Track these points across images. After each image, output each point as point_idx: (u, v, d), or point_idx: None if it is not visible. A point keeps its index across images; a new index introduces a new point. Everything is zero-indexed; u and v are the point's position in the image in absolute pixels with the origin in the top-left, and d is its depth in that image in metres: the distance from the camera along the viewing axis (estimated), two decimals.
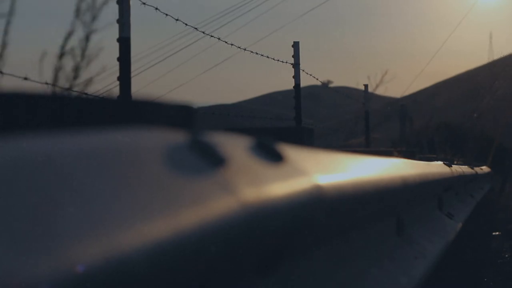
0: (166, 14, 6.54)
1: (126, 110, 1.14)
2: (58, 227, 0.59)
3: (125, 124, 0.94)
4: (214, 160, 0.96)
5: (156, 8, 6.24)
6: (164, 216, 0.74)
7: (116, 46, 5.05)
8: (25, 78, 3.83)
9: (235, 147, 1.11)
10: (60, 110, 1.02)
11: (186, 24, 7.07)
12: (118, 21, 5.04)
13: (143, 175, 0.78)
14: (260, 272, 1.22)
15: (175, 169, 0.84)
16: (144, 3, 5.85)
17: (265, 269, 1.24)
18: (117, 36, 5.05)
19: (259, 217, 1.01)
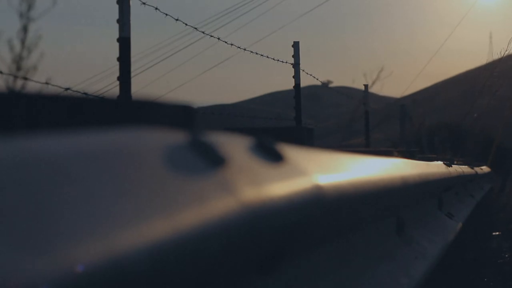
0: (166, 14, 6.54)
1: (126, 110, 1.14)
2: (58, 227, 0.59)
3: (125, 124, 0.94)
4: (214, 160, 0.96)
5: (156, 8, 6.24)
6: (164, 216, 0.74)
7: (116, 46, 5.05)
8: (25, 78, 3.83)
9: (235, 147, 1.11)
10: (60, 110, 1.02)
11: (186, 24, 7.07)
12: (118, 21, 5.04)
13: (143, 175, 0.78)
14: (260, 272, 1.22)
15: (175, 169, 0.84)
16: (144, 3, 5.85)
17: (265, 269, 1.24)
18: (117, 36, 5.05)
19: (259, 217, 1.01)
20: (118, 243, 0.64)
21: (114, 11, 5.02)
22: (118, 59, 5.06)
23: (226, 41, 8.34)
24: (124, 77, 5.05)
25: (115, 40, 5.06)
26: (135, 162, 0.79)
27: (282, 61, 9.71)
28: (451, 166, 5.90)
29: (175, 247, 0.74)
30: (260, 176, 1.09)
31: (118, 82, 5.05)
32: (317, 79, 11.61)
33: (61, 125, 1.01)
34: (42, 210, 0.59)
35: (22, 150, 0.65)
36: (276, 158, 1.24)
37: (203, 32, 7.72)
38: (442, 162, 5.66)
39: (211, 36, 8.00)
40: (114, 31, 5.03)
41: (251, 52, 9.06)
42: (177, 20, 6.67)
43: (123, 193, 0.71)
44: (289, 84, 9.69)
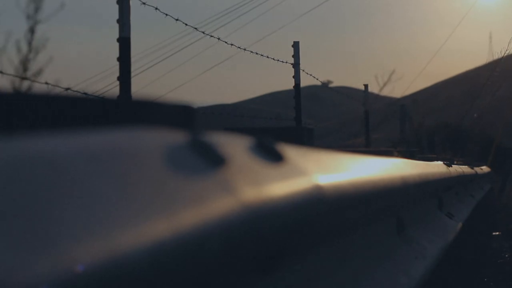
0: (166, 14, 6.55)
1: (126, 110, 1.14)
2: (58, 227, 0.59)
3: (125, 124, 0.94)
4: (214, 160, 0.96)
5: (156, 8, 6.24)
6: (164, 216, 0.74)
7: (116, 46, 5.05)
8: (25, 78, 3.84)
9: (235, 147, 1.11)
10: (60, 110, 1.02)
11: (186, 24, 7.08)
12: (118, 21, 5.04)
13: (143, 175, 0.78)
14: (260, 272, 1.22)
15: (175, 169, 0.84)
16: (144, 3, 5.86)
17: (265, 269, 1.24)
18: (117, 36, 5.05)
19: (259, 217, 1.01)
20: (118, 243, 0.64)
21: (114, 11, 5.03)
22: (118, 59, 5.06)
23: (226, 41, 8.35)
24: (124, 77, 5.05)
25: (115, 40, 5.06)
26: (135, 162, 0.79)
27: (282, 61, 9.72)
28: (451, 166, 5.90)
29: (175, 247, 0.74)
30: (260, 176, 1.09)
31: (118, 82, 5.05)
32: (317, 79, 11.63)
33: (61, 125, 1.01)
34: (42, 210, 0.59)
35: (22, 150, 0.65)
36: (276, 158, 1.24)
37: (203, 32, 7.73)
38: (442, 162, 5.66)
39: (211, 36, 8.01)
40: (114, 31, 5.04)
41: (251, 52, 9.08)
42: (177, 20, 6.68)
43: (123, 193, 0.71)
44: (289, 84, 9.70)
